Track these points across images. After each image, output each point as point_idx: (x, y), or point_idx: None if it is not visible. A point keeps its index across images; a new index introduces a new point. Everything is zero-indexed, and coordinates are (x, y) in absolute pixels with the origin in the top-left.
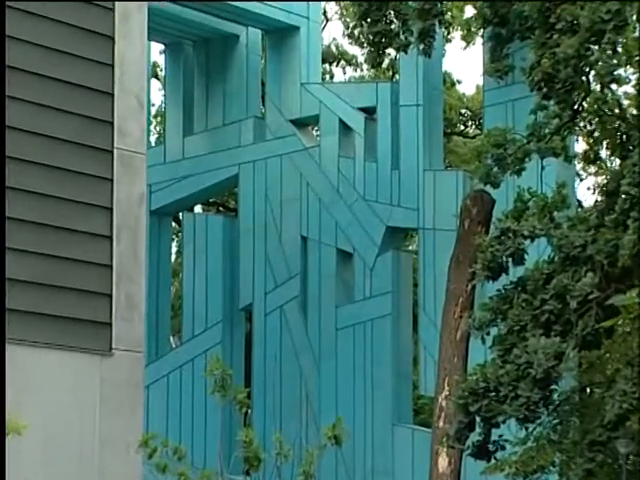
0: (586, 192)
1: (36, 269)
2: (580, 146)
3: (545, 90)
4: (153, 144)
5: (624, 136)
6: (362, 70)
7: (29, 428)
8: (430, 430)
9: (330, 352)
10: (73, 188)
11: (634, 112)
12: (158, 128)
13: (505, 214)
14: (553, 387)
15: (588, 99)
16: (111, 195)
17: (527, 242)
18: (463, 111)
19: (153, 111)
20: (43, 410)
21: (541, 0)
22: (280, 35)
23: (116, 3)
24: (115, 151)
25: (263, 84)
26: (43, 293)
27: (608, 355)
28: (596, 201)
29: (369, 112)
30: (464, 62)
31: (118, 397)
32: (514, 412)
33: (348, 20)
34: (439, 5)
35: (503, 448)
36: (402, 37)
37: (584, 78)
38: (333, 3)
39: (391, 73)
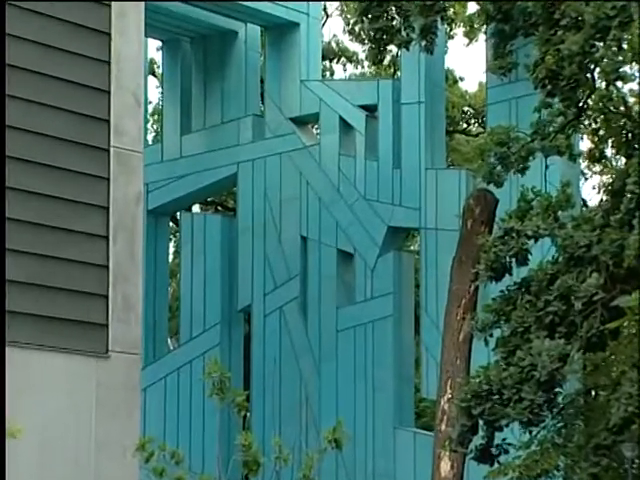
0: (591, 191)
1: (30, 269)
2: (585, 144)
3: (549, 87)
4: (150, 142)
5: (630, 134)
6: (363, 67)
7: (24, 431)
8: (432, 433)
9: (330, 354)
10: (69, 187)
11: None
12: (155, 126)
13: (508, 214)
14: (557, 390)
15: (593, 97)
16: (107, 194)
17: (531, 242)
18: (466, 109)
19: (150, 109)
20: (38, 413)
21: None
22: (279, 31)
23: None
24: (112, 149)
25: (262, 81)
26: (38, 294)
27: (613, 357)
28: (601, 200)
29: (370, 110)
30: (467, 59)
31: (114, 400)
32: (518, 415)
33: (349, 16)
34: (441, 1)
35: (507, 452)
36: (404, 33)
37: (589, 75)
38: None
39: (392, 70)
